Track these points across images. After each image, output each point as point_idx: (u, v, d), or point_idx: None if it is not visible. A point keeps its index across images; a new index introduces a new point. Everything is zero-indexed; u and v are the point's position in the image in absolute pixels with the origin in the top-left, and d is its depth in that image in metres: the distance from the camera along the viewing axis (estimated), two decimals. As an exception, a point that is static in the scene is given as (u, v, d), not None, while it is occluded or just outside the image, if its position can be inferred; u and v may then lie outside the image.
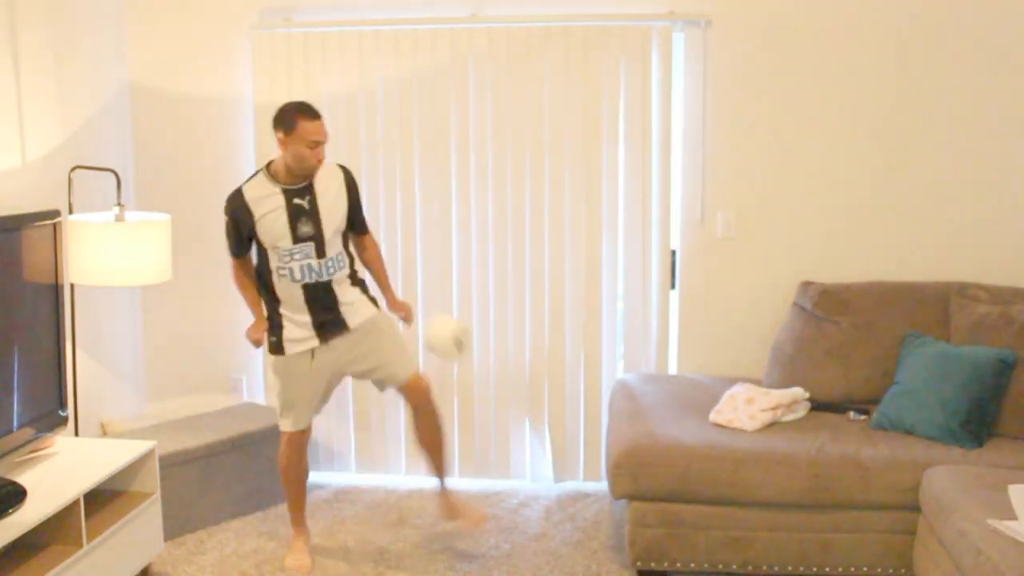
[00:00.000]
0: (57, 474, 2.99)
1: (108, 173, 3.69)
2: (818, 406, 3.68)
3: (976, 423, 3.32)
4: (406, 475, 4.40)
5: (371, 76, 4.18)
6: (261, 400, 4.46)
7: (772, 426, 3.48)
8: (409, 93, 4.17)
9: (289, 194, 3.29)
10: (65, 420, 3.25)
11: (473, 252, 4.24)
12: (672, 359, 4.27)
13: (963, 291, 3.79)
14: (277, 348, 3.40)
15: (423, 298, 4.27)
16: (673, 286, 4.23)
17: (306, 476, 3.61)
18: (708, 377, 4.09)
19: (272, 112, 4.18)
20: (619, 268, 4.21)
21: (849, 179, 4.10)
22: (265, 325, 3.42)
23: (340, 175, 3.42)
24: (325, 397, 3.54)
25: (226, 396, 4.50)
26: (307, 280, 3.32)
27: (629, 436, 3.36)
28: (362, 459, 4.41)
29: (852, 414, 3.61)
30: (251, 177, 3.40)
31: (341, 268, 3.40)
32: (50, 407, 3.16)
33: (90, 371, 4.01)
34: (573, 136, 4.12)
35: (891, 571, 3.24)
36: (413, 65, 4.15)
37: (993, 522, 2.63)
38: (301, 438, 3.51)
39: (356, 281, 3.47)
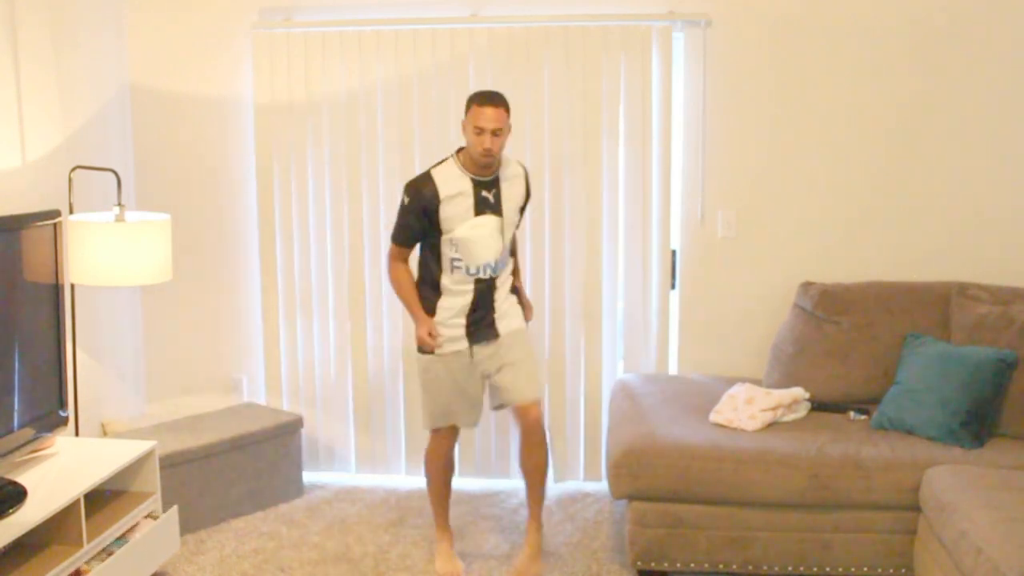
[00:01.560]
0: (57, 474, 2.99)
1: (108, 173, 3.69)
2: (818, 406, 3.68)
3: (976, 423, 3.32)
4: (406, 475, 4.40)
5: (371, 76, 4.18)
6: (261, 400, 4.46)
7: (772, 426, 3.48)
8: (409, 93, 4.17)
9: (477, 185, 3.26)
10: (65, 420, 3.25)
11: (473, 252, 4.24)
12: (672, 359, 4.27)
13: (963, 291, 3.79)
14: (426, 348, 3.34)
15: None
16: (673, 286, 4.23)
17: (451, 476, 3.54)
18: (708, 377, 4.09)
19: (271, 111, 4.23)
20: (619, 268, 4.21)
21: (849, 179, 4.10)
22: (431, 321, 3.31)
23: (522, 175, 3.41)
24: (477, 402, 3.43)
25: (226, 396, 4.50)
26: (481, 275, 3.29)
27: (629, 436, 3.36)
28: (362, 459, 4.41)
29: (852, 414, 3.62)
30: (439, 163, 3.33)
31: (508, 265, 3.41)
32: (50, 407, 3.16)
33: (90, 371, 4.01)
34: (573, 136, 4.12)
35: (891, 571, 3.24)
36: (413, 65, 4.15)
37: None
38: (451, 438, 3.46)
39: (513, 287, 3.46)
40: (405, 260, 3.39)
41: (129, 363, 4.41)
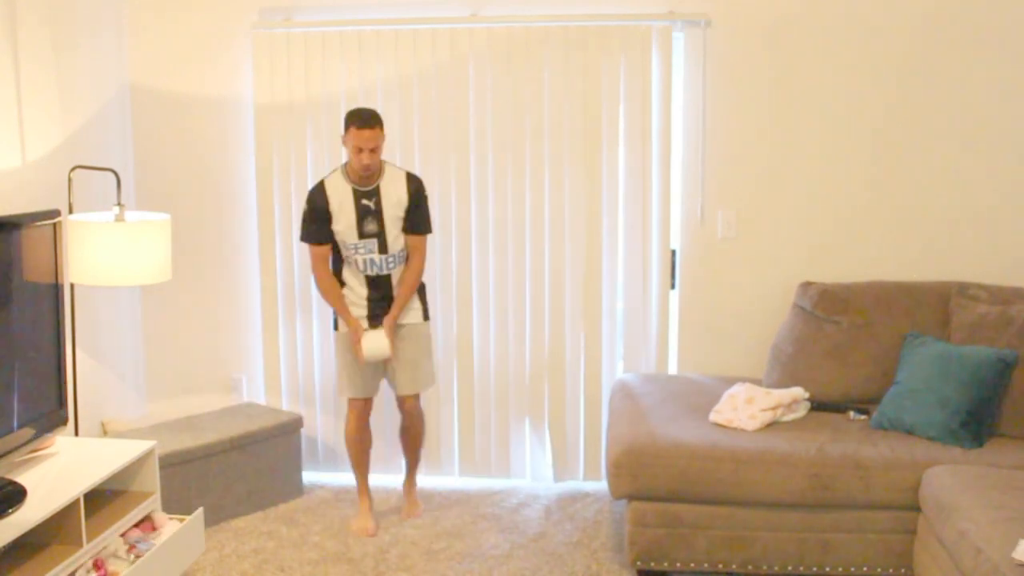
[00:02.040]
0: (57, 474, 2.99)
1: (108, 173, 3.69)
2: (818, 406, 3.68)
3: (976, 423, 3.32)
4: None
5: (371, 76, 4.18)
6: (261, 400, 4.46)
7: (772, 426, 3.48)
8: (409, 93, 4.17)
9: (358, 193, 3.65)
10: (65, 420, 3.25)
11: (473, 251, 4.24)
12: (672, 359, 4.27)
13: (963, 291, 3.79)
14: (336, 325, 3.83)
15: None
16: (673, 286, 4.23)
17: (369, 446, 3.95)
18: (708, 377, 4.09)
19: (271, 111, 4.23)
20: (619, 268, 4.21)
21: (849, 179, 4.10)
22: (362, 328, 3.73)
23: (404, 181, 3.70)
24: (376, 376, 3.86)
25: (226, 396, 4.50)
26: (369, 272, 3.71)
27: (629, 436, 3.36)
28: (362, 459, 4.41)
29: (852, 414, 3.62)
30: (331, 173, 3.72)
31: (401, 263, 3.76)
32: (50, 407, 3.16)
33: (90, 371, 4.01)
34: (573, 136, 4.12)
35: (891, 571, 3.24)
36: (413, 65, 4.15)
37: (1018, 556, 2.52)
38: (363, 407, 3.85)
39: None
40: (325, 260, 3.74)
41: (129, 363, 4.41)
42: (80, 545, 2.85)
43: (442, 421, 4.35)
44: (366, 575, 3.47)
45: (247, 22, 4.23)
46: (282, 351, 4.39)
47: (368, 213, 3.65)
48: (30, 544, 2.80)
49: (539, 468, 4.34)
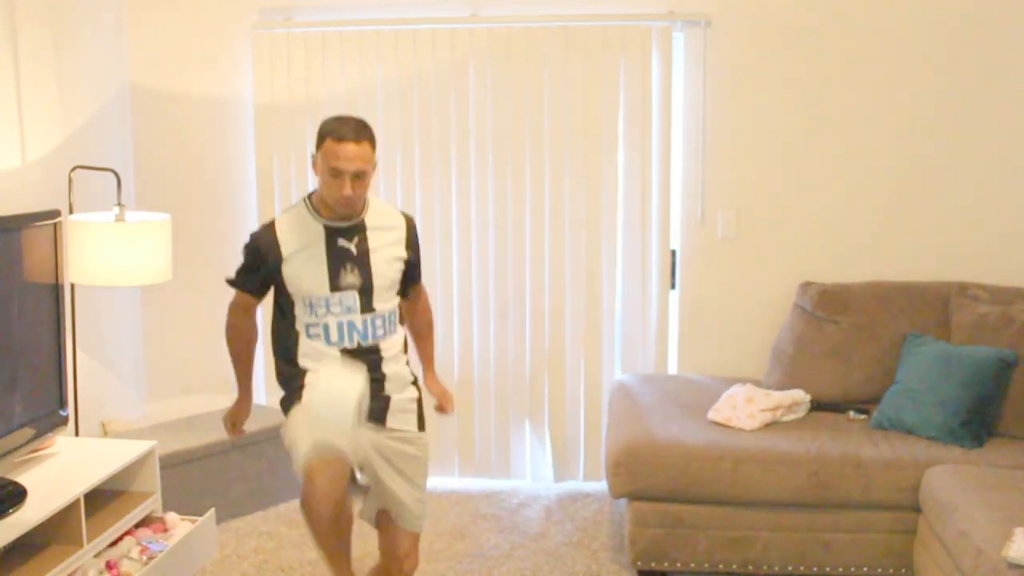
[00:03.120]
0: (57, 474, 2.99)
1: (108, 173, 3.69)
2: (818, 406, 3.68)
3: (976, 423, 3.32)
4: None
5: (371, 76, 4.18)
6: (261, 400, 4.46)
7: (771, 426, 3.48)
8: (409, 93, 4.17)
9: (332, 233, 2.64)
10: (65, 420, 3.25)
11: (473, 252, 4.24)
12: (672, 359, 4.27)
13: (963, 291, 3.79)
14: (290, 400, 2.68)
15: (423, 298, 4.27)
16: (673, 286, 4.23)
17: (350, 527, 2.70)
18: (708, 377, 4.09)
19: (271, 111, 4.22)
20: (619, 268, 4.21)
21: (849, 179, 4.10)
22: (250, 408, 2.91)
23: (401, 219, 2.77)
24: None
25: (226, 396, 4.47)
26: (346, 344, 2.63)
27: (628, 435, 3.36)
28: (362, 459, 4.41)
29: (852, 414, 3.62)
30: (288, 209, 2.77)
31: (392, 333, 2.71)
32: (50, 407, 3.16)
33: (90, 371, 4.01)
34: (573, 136, 4.12)
35: (891, 571, 3.24)
36: (413, 65, 4.15)
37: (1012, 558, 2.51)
38: (339, 469, 2.45)
39: (412, 373, 2.80)
40: (246, 311, 2.84)
41: (129, 363, 4.41)
42: (80, 545, 2.85)
43: (442, 421, 4.34)
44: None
45: (247, 22, 4.23)
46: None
47: (346, 259, 2.62)
48: (30, 544, 2.80)
49: (539, 468, 4.34)
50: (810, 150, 4.11)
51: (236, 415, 2.97)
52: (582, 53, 4.07)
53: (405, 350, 2.80)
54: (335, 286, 2.61)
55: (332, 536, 2.57)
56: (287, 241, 2.64)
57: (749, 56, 4.08)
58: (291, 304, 2.69)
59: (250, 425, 4.00)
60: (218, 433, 3.92)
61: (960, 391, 3.35)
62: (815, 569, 3.27)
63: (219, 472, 3.88)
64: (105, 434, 4.12)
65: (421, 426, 2.76)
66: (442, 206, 4.22)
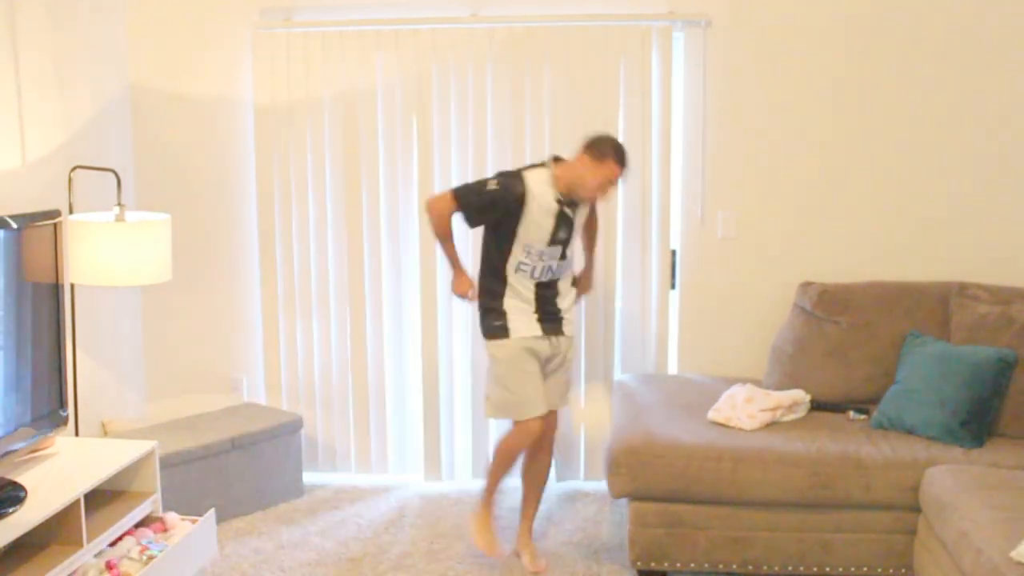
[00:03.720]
0: (57, 474, 2.99)
1: (108, 173, 3.69)
2: (818, 406, 3.68)
3: (976, 423, 3.32)
4: (406, 475, 4.40)
5: (371, 76, 4.18)
6: (261, 400, 4.46)
7: (771, 426, 3.48)
8: (409, 93, 4.17)
9: (561, 204, 3.37)
10: (65, 420, 3.25)
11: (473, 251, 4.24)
12: (672, 359, 4.27)
13: (963, 291, 3.79)
14: (502, 332, 3.39)
15: (423, 299, 4.27)
16: (673, 286, 4.23)
17: (545, 475, 3.61)
18: (708, 377, 4.09)
19: (271, 111, 4.22)
20: (619, 268, 4.21)
21: (849, 179, 4.10)
22: (470, 280, 3.51)
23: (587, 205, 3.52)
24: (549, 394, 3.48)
25: (226, 396, 4.49)
26: (543, 278, 3.41)
27: (628, 435, 3.36)
28: (362, 459, 4.41)
29: (852, 414, 3.62)
30: (532, 167, 3.43)
31: (570, 268, 3.54)
32: (50, 407, 3.16)
33: (90, 371, 4.01)
34: (573, 136, 4.11)
35: (891, 571, 3.24)
36: (413, 65, 4.15)
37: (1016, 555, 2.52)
38: (541, 428, 3.41)
39: (573, 294, 3.58)
40: (450, 222, 3.43)
41: (129, 363, 4.41)
42: (80, 545, 2.84)
43: (442, 421, 4.34)
44: (366, 575, 3.47)
45: (247, 22, 4.23)
46: (282, 351, 4.38)
47: (564, 222, 3.38)
48: (30, 544, 2.80)
49: (539, 468, 4.34)
50: (810, 150, 4.11)
51: (464, 283, 3.54)
52: (582, 53, 4.07)
53: (572, 277, 3.59)
54: (552, 240, 3.36)
55: (514, 472, 3.51)
56: (532, 196, 3.32)
57: (749, 56, 4.08)
58: (510, 241, 3.37)
59: (250, 425, 4.03)
60: (218, 433, 3.93)
61: (960, 391, 3.35)
62: (815, 569, 3.27)
63: (219, 472, 3.88)
64: (105, 434, 4.12)
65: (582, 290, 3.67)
66: (442, 206, 4.22)
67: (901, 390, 3.51)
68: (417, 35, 4.13)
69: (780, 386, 3.77)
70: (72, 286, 3.58)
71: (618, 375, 4.24)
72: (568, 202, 3.38)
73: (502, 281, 3.41)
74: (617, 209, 4.17)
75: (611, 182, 3.34)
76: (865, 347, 3.77)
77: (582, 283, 3.68)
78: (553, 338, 3.44)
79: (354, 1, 4.18)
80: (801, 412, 3.61)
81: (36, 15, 3.61)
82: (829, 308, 3.85)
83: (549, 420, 3.50)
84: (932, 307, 3.80)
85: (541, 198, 3.32)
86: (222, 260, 4.45)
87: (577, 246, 3.63)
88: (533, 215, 3.31)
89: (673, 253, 4.21)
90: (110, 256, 3.42)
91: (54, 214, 3.15)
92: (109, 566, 2.90)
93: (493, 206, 3.34)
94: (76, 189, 3.66)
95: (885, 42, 4.02)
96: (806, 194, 4.14)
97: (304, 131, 4.24)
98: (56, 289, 3.18)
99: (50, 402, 3.16)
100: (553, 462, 4.23)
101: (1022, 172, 4.02)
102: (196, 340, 4.48)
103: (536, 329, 3.40)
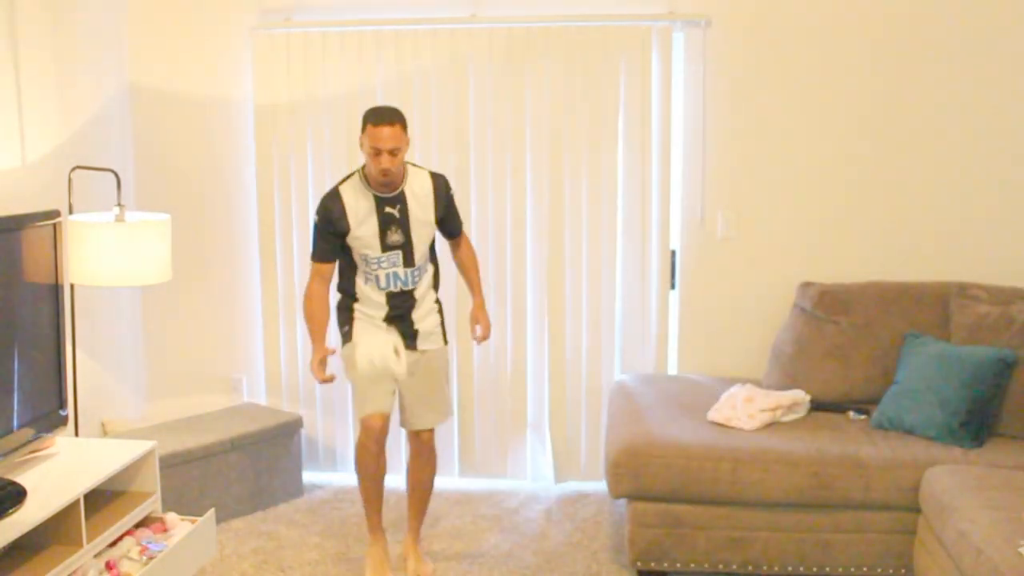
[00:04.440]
0: (57, 474, 2.99)
1: (108, 173, 3.69)
2: (818, 406, 3.68)
3: (976, 423, 3.32)
4: (406, 475, 4.39)
5: (371, 76, 4.18)
6: (261, 400, 4.46)
7: (771, 426, 3.48)
8: (409, 93, 4.17)
9: (380, 202, 3.24)
10: (65, 420, 3.25)
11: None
12: (672, 359, 4.27)
13: (963, 291, 3.79)
14: (348, 337, 3.33)
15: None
16: (673, 286, 4.23)
17: (385, 473, 3.40)
18: (708, 377, 4.09)
19: (271, 111, 4.22)
20: (619, 268, 4.21)
21: (849, 179, 4.10)
22: (328, 355, 3.27)
23: (429, 182, 3.31)
24: (390, 393, 3.33)
25: (226, 396, 4.50)
26: (391, 289, 3.30)
27: (627, 435, 3.36)
28: (362, 459, 4.41)
29: (852, 414, 3.62)
30: (346, 178, 3.31)
31: (425, 273, 3.37)
32: (50, 407, 3.16)
33: (90, 371, 4.01)
34: (573, 136, 4.12)
35: (891, 571, 3.24)
36: (413, 65, 4.15)
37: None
38: (380, 425, 3.28)
39: (437, 301, 3.44)
40: (325, 279, 3.33)
41: (129, 363, 4.41)
42: (80, 545, 2.84)
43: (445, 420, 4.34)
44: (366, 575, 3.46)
45: (247, 23, 4.23)
46: (282, 351, 4.38)
47: (391, 222, 3.23)
48: (30, 544, 2.80)
49: (539, 468, 4.34)
50: (810, 150, 4.11)
51: (322, 364, 3.26)
52: (582, 53, 4.07)
53: (435, 284, 3.43)
54: (384, 246, 3.24)
55: (376, 474, 3.36)
56: (350, 206, 3.23)
57: (749, 56, 4.08)
58: (351, 255, 3.30)
59: (250, 425, 4.03)
60: (218, 433, 3.93)
61: (960, 391, 3.35)
62: (815, 569, 3.27)
63: (219, 472, 3.88)
64: (105, 434, 4.12)
65: (444, 340, 3.44)
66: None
67: (901, 390, 3.51)
68: (417, 35, 4.13)
69: (780, 386, 3.77)
70: (72, 286, 3.58)
71: (618, 375, 4.24)
72: (390, 200, 3.23)
73: (352, 290, 3.34)
74: (617, 209, 4.17)
75: (377, 149, 3.10)
76: (865, 347, 3.77)
77: (479, 320, 3.48)
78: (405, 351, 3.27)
79: (354, 1, 4.18)
80: (801, 412, 3.61)
81: (36, 15, 3.61)
82: (829, 308, 3.85)
83: (423, 436, 3.41)
84: (932, 307, 3.80)
85: (356, 204, 3.22)
86: (222, 260, 4.45)
87: (448, 261, 3.55)
88: (357, 223, 3.22)
89: (673, 253, 4.21)
90: (110, 256, 3.41)
91: (54, 214, 3.15)
92: (109, 566, 2.90)
93: (325, 234, 3.26)
94: (76, 189, 3.66)
95: (885, 42, 4.02)
96: (806, 194, 4.14)
97: (304, 131, 4.24)
98: (56, 289, 3.18)
99: (50, 402, 3.16)
100: (553, 461, 4.26)
101: (1022, 172, 4.02)
102: (196, 340, 4.48)
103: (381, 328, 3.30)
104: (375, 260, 3.26)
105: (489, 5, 4.13)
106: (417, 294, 3.34)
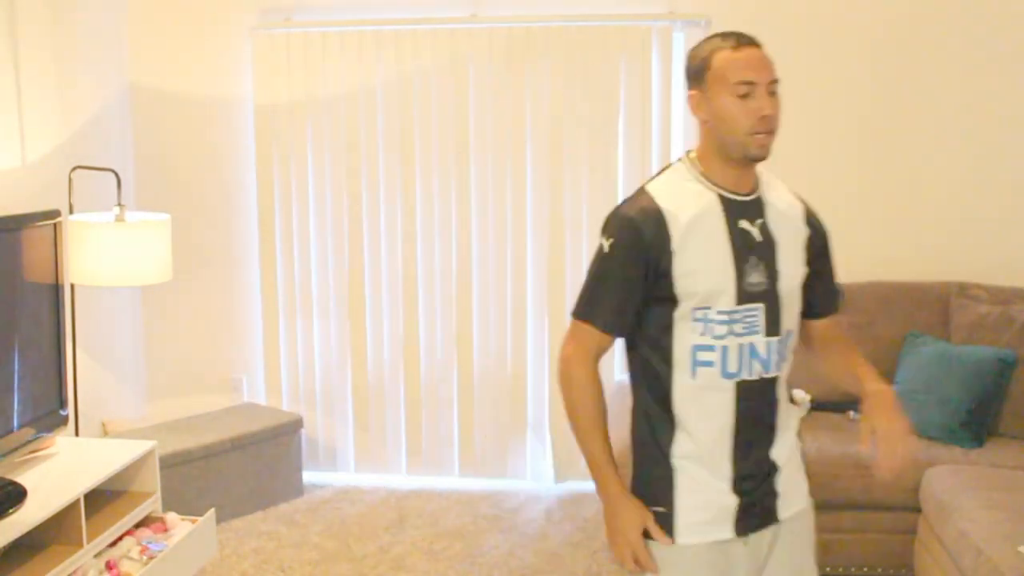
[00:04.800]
0: (57, 474, 2.99)
1: (108, 173, 3.69)
2: (818, 406, 3.68)
3: (976, 423, 3.32)
4: (406, 475, 4.40)
5: (371, 76, 4.18)
6: (261, 400, 4.46)
7: (772, 426, 3.48)
8: (409, 93, 4.17)
9: (730, 205, 1.81)
10: (65, 420, 3.24)
11: (474, 252, 4.24)
12: (672, 359, 4.26)
13: (963, 291, 3.79)
14: (666, 526, 1.82)
15: (424, 300, 4.27)
16: (673, 286, 4.22)
17: None
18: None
19: (271, 111, 4.22)
20: (619, 268, 4.20)
21: (849, 179, 4.10)
22: (643, 512, 1.83)
23: (794, 197, 2.02)
24: None
25: (226, 396, 4.50)
26: (746, 376, 1.81)
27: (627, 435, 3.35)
28: (362, 459, 4.41)
29: (852, 414, 3.62)
30: (658, 174, 1.95)
31: (789, 358, 1.96)
32: (50, 407, 3.16)
33: (90, 371, 4.01)
34: (574, 136, 4.12)
35: (891, 571, 3.24)
36: (413, 65, 4.15)
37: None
38: None
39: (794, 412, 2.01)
40: (597, 359, 1.87)
41: (129, 363, 4.41)
42: (80, 545, 2.84)
43: (442, 421, 4.35)
44: (366, 575, 3.47)
45: (247, 23, 4.23)
46: (282, 351, 4.39)
47: (750, 247, 1.79)
48: (30, 544, 2.80)
49: (540, 468, 4.34)
50: (809, 150, 4.11)
51: (630, 530, 1.82)
52: (582, 53, 4.07)
53: (789, 392, 2.01)
54: (742, 292, 1.78)
55: None
56: (674, 219, 1.76)
57: (749, 56, 4.07)
58: (671, 317, 1.79)
59: (250, 425, 4.02)
60: (218, 433, 3.93)
61: (960, 391, 3.35)
62: (815, 569, 3.27)
63: (219, 472, 3.88)
64: (105, 434, 4.12)
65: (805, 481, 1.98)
66: (442, 206, 4.22)
67: (901, 390, 3.51)
68: (417, 35, 4.13)
69: (780, 386, 3.77)
70: (72, 286, 3.58)
71: (618, 375, 4.24)
72: (743, 204, 1.83)
73: (666, 402, 1.84)
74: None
75: (750, 83, 1.76)
76: (865, 347, 3.75)
77: (883, 426, 1.99)
78: (753, 536, 1.84)
79: (354, 1, 4.18)
80: (802, 412, 3.61)
81: (36, 15, 3.61)
82: (829, 308, 3.84)
83: None
84: (932, 307, 3.80)
85: (687, 209, 1.79)
86: (222, 260, 4.45)
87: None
88: (691, 244, 1.76)
89: (673, 253, 4.19)
90: (110, 256, 3.42)
91: (54, 214, 3.15)
92: (109, 566, 2.90)
93: (622, 276, 1.79)
94: (76, 189, 3.66)
95: (885, 42, 4.01)
96: (806, 194, 4.09)
97: (304, 131, 4.24)
98: (56, 289, 3.18)
99: (50, 402, 3.16)
100: (553, 461, 4.26)
101: (1022, 172, 4.02)
102: (196, 340, 4.48)
103: (723, 527, 1.82)
104: (724, 321, 1.78)
105: (489, 5, 4.13)
106: (779, 391, 1.92)
